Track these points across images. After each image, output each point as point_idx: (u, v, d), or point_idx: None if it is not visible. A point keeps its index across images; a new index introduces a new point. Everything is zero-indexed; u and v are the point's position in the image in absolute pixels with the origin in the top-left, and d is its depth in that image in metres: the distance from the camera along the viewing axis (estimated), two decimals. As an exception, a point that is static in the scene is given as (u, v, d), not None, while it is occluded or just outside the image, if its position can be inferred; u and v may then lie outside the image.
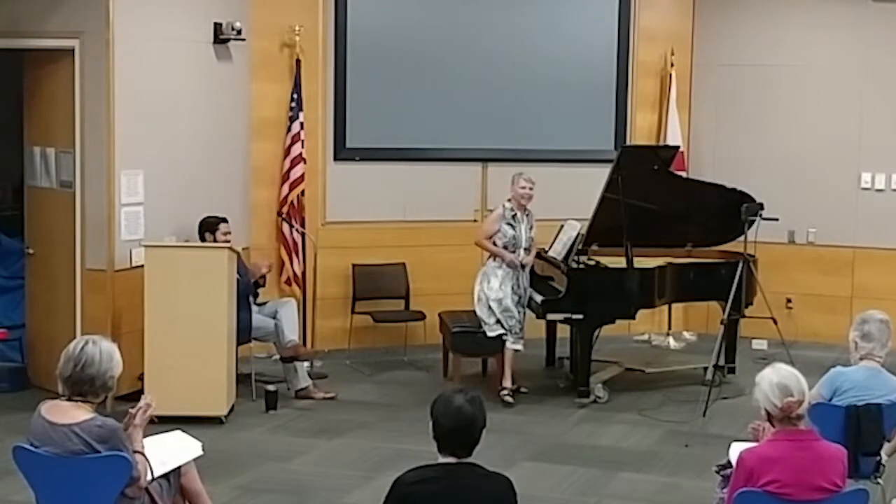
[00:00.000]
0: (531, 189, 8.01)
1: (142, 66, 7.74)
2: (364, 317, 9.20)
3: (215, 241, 7.83)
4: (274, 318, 8.00)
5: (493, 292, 7.96)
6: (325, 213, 9.48)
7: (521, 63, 9.94)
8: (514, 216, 8.01)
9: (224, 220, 7.97)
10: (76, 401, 4.24)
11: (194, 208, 8.05)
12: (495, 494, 3.63)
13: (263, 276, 8.26)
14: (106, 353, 4.25)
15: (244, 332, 7.74)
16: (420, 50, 9.69)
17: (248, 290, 7.84)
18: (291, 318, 8.09)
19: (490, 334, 7.98)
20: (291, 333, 7.99)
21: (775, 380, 4.08)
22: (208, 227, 7.93)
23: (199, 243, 7.86)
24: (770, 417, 4.10)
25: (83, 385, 4.22)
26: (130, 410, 4.41)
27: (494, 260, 8.04)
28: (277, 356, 8.14)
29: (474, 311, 8.09)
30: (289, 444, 7.00)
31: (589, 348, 8.04)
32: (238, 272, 7.64)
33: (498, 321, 7.95)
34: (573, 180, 9.66)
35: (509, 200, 8.07)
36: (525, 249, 8.05)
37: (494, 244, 7.99)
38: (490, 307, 7.96)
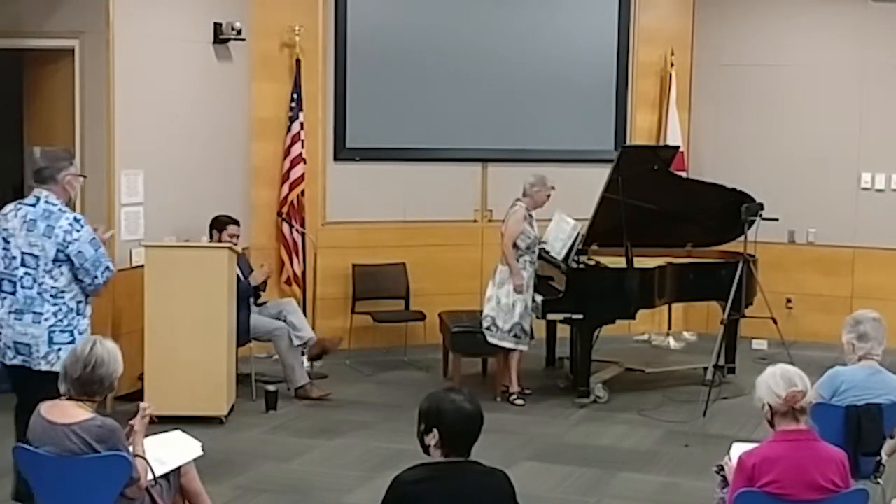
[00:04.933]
0: None
1: (142, 66, 7.75)
2: (364, 317, 9.20)
3: (220, 240, 7.84)
4: (277, 318, 8.00)
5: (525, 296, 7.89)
6: (325, 213, 9.48)
7: (522, 63, 9.94)
8: (529, 215, 7.97)
9: (235, 222, 7.96)
10: (78, 400, 4.25)
11: (194, 208, 8.05)
12: (494, 490, 3.63)
13: (265, 282, 8.26)
14: (112, 353, 4.30)
15: (243, 334, 7.73)
16: (420, 50, 9.69)
17: (247, 291, 7.84)
18: (299, 316, 8.13)
19: (501, 342, 7.89)
20: (307, 331, 8.01)
21: (779, 372, 4.10)
22: (218, 225, 7.95)
23: (199, 243, 7.86)
24: (773, 414, 4.08)
25: (92, 385, 4.24)
26: (131, 422, 4.43)
27: (518, 261, 7.88)
28: (277, 356, 8.12)
29: (479, 312, 8.04)
30: (289, 444, 6.99)
31: (589, 348, 8.03)
32: (241, 273, 7.64)
33: (512, 329, 7.87)
34: (573, 180, 9.62)
35: (519, 200, 7.97)
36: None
37: (516, 245, 7.88)
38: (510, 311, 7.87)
